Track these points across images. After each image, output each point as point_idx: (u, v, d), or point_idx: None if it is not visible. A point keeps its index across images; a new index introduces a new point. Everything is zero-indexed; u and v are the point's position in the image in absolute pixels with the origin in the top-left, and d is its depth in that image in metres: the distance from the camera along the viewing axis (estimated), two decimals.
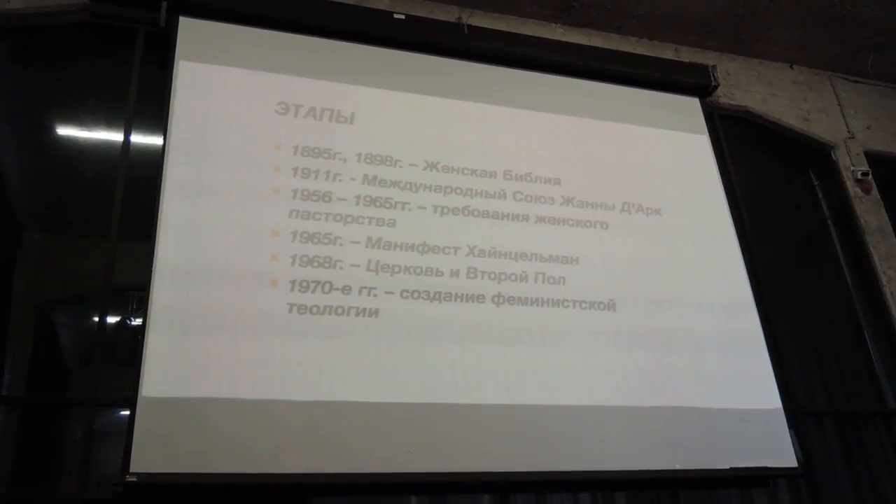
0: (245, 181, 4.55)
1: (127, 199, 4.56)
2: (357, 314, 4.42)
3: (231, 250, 4.35)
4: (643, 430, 4.73)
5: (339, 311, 4.39)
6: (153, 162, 4.53)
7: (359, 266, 4.54)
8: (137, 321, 4.23)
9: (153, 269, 4.16)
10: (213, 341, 4.10)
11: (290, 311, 4.30)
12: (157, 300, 4.10)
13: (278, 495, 4.26)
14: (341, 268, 4.49)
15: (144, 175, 4.57)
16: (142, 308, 4.09)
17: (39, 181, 4.83)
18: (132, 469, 3.68)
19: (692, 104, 6.26)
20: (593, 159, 5.59)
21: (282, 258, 4.41)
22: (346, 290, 4.45)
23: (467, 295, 4.72)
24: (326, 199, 4.66)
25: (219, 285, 4.24)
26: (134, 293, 4.39)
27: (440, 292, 4.66)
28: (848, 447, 5.58)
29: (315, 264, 4.45)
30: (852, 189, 6.59)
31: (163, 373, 3.95)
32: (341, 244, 4.56)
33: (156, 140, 4.68)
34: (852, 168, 6.65)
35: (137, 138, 4.79)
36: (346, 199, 4.70)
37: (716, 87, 6.35)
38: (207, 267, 4.26)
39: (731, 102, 6.61)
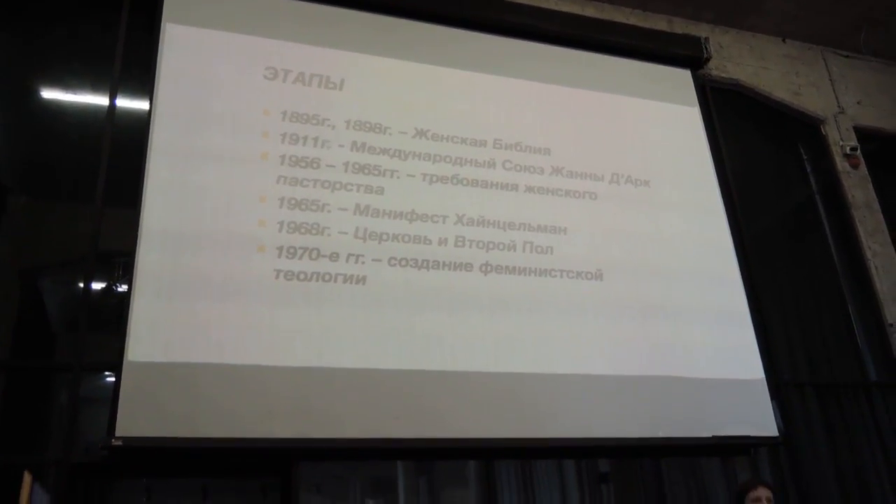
0: (233, 146, 4.52)
1: (113, 164, 4.52)
2: (345, 281, 4.42)
3: (218, 216, 4.33)
4: (628, 398, 4.78)
5: (327, 277, 4.39)
6: (139, 126, 4.50)
7: (346, 233, 4.53)
8: (123, 287, 4.22)
9: (139, 234, 4.15)
10: (200, 307, 4.10)
11: (278, 277, 4.30)
12: (143, 265, 4.09)
13: (265, 460, 4.28)
14: (329, 235, 4.49)
15: (131, 140, 4.53)
16: (128, 274, 4.08)
17: (24, 145, 4.78)
18: (118, 433, 3.69)
19: (684, 76, 6.25)
20: (584, 129, 5.58)
21: (269, 224, 4.40)
22: (333, 256, 4.45)
23: (455, 263, 4.72)
24: (315, 165, 4.63)
25: (206, 251, 4.23)
26: (120, 259, 4.37)
27: (428, 260, 4.66)
28: (828, 418, 5.65)
29: (303, 231, 4.44)
30: (840, 164, 6.61)
31: (149, 338, 3.95)
32: (329, 211, 4.55)
33: (142, 104, 4.63)
34: (841, 143, 6.67)
35: (123, 102, 4.74)
36: (334, 166, 4.68)
37: (708, 59, 6.34)
38: (194, 232, 4.25)
39: (723, 75, 6.60)
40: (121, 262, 4.36)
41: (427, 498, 5.11)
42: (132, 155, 4.40)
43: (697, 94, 6.18)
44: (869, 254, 6.27)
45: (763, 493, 3.54)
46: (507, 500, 4.92)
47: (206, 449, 3.94)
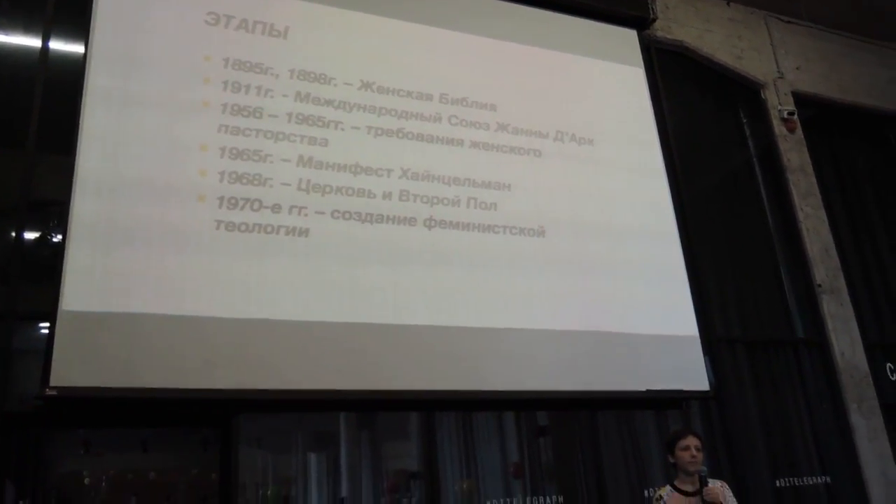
0: (172, 93, 4.40)
1: (46, 109, 4.37)
2: (287, 233, 4.39)
3: (157, 164, 4.23)
4: (566, 352, 4.89)
5: (269, 229, 4.35)
6: (74, 71, 4.33)
7: (289, 185, 4.49)
8: (58, 238, 4.10)
9: (74, 182, 4.02)
10: (138, 257, 4.02)
11: (219, 227, 4.24)
12: (78, 214, 3.98)
13: (205, 411, 4.28)
14: (271, 186, 4.44)
15: (65, 84, 4.37)
16: (62, 223, 3.97)
17: None
18: (52, 383, 3.63)
19: (630, 36, 6.29)
20: (530, 87, 5.58)
21: (210, 174, 4.32)
22: (275, 208, 4.40)
23: (399, 217, 4.73)
24: (257, 115, 4.55)
25: (144, 200, 4.14)
26: (54, 207, 4.25)
27: (372, 214, 4.65)
28: (757, 373, 5.89)
29: (244, 181, 4.38)
30: (778, 128, 6.78)
31: (85, 287, 3.86)
32: (272, 162, 4.49)
33: (77, 48, 4.47)
34: (779, 107, 6.83)
35: (57, 45, 4.57)
36: (277, 116, 4.60)
37: (654, 20, 6.39)
38: (132, 181, 4.15)
39: (668, 37, 6.65)
40: (55, 211, 4.24)
41: (369, 451, 5.17)
42: (66, 100, 4.26)
43: (643, 54, 6.24)
44: (801, 216, 6.48)
45: (692, 441, 3.66)
46: (447, 452, 5.01)
47: (144, 399, 3.90)
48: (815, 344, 6.17)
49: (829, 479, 5.75)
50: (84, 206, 4.01)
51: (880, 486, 5.73)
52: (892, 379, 6.44)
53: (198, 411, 4.30)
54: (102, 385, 3.74)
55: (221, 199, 4.31)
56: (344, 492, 4.98)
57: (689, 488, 3.61)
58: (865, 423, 5.92)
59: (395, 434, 5.34)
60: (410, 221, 4.75)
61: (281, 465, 5.49)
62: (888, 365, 6.48)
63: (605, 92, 5.89)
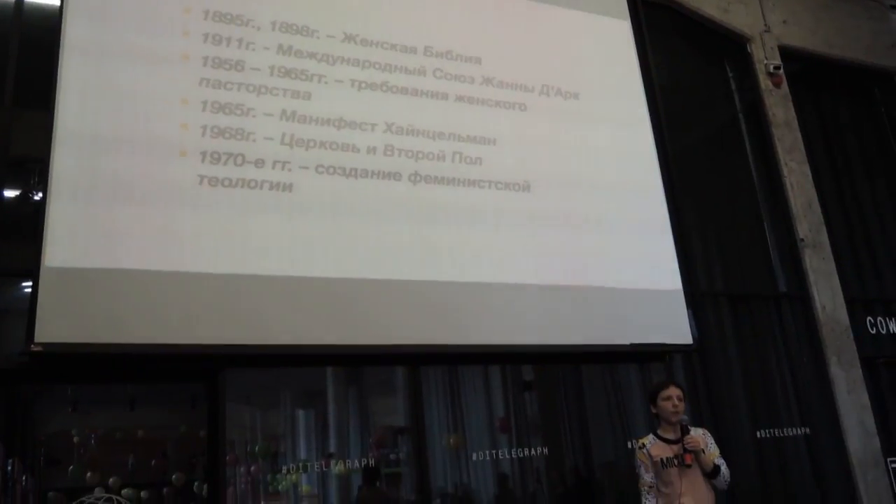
0: (152, 46, 4.32)
1: (22, 65, 4.28)
2: (271, 188, 4.36)
3: (138, 118, 4.17)
4: (552, 307, 4.92)
5: (252, 184, 4.32)
6: (51, 23, 4.23)
7: (272, 139, 4.44)
8: (39, 195, 4.05)
9: (53, 138, 3.96)
10: (120, 212, 3.99)
11: (201, 182, 4.20)
12: (58, 169, 3.92)
13: (192, 366, 4.28)
14: (254, 140, 4.39)
15: (41, 37, 4.28)
16: (43, 179, 3.92)
17: None
18: (37, 339, 3.62)
19: None
20: (515, 40, 5.52)
21: (192, 128, 4.27)
22: (259, 163, 4.37)
23: (384, 172, 4.70)
24: (239, 68, 4.49)
25: (125, 155, 4.08)
26: (34, 164, 4.19)
27: (356, 169, 4.62)
28: (740, 327, 5.96)
29: (227, 136, 4.33)
30: (764, 82, 6.76)
31: (67, 243, 3.83)
32: (254, 116, 4.43)
33: (53, 0, 4.35)
34: (766, 61, 6.79)
35: None
36: (259, 70, 4.54)
37: None
38: (113, 136, 4.09)
39: None
40: (35, 168, 4.18)
41: (356, 407, 5.22)
42: (44, 54, 4.17)
43: (629, 7, 6.16)
44: (785, 171, 6.50)
45: (674, 391, 3.73)
46: (434, 408, 5.07)
47: (130, 354, 3.90)
48: (797, 298, 6.24)
49: (808, 431, 5.87)
50: (64, 162, 3.95)
51: (858, 437, 5.86)
52: (872, 332, 6.54)
53: (184, 366, 4.30)
54: (88, 341, 3.73)
55: (204, 153, 4.26)
56: (332, 447, 5.03)
57: (671, 436, 3.69)
58: (844, 375, 6.02)
59: (383, 390, 5.39)
60: (395, 176, 4.73)
61: (269, 422, 5.55)
62: (868, 319, 6.57)
63: (590, 45, 5.84)
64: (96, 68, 4.17)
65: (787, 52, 7.01)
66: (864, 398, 6.03)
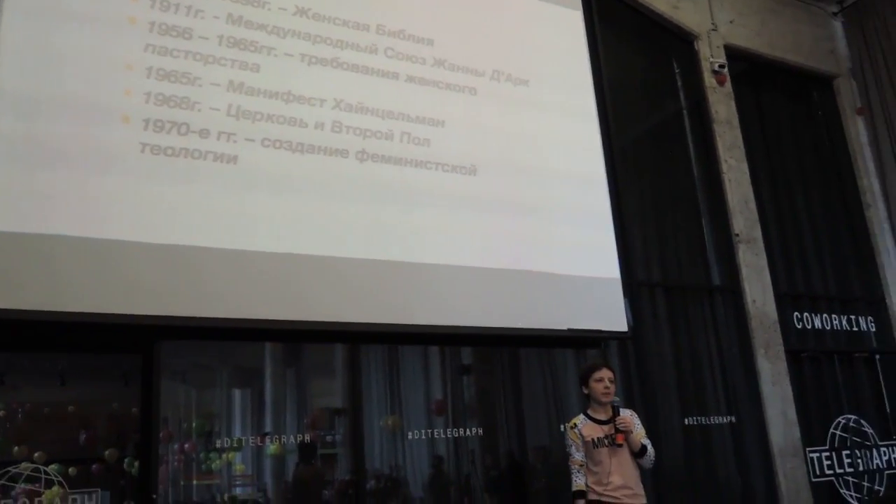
0: (96, 7, 4.20)
1: None
2: (215, 159, 4.29)
3: (80, 82, 4.05)
4: (492, 290, 4.98)
5: (196, 154, 4.25)
6: None
7: (218, 110, 4.37)
8: None
9: None
10: (58, 177, 3.88)
11: (144, 150, 4.12)
12: None
13: (125, 336, 4.21)
14: (199, 110, 4.32)
15: None
16: None
17: None
18: None
19: None
20: (468, 23, 5.53)
21: (136, 94, 4.17)
22: (203, 133, 4.29)
23: (331, 149, 4.68)
24: (186, 35, 4.39)
25: (66, 119, 3.97)
26: None
27: (303, 144, 4.59)
28: (674, 317, 6.12)
29: (171, 104, 4.25)
30: (708, 80, 6.91)
31: (1, 206, 3.71)
32: (200, 85, 4.35)
33: None
34: (711, 59, 6.95)
35: None
36: (207, 38, 4.45)
37: None
38: (53, 98, 3.97)
39: None
40: None
41: (294, 387, 5.18)
42: None
43: None
44: (724, 167, 6.68)
45: (606, 374, 3.83)
46: (373, 389, 5.09)
47: (63, 323, 3.82)
48: (730, 291, 6.43)
49: (733, 419, 6.06)
50: (1, 122, 3.82)
51: (780, 426, 6.09)
52: (798, 327, 6.79)
53: (119, 337, 4.22)
54: (19, 307, 3.64)
55: (147, 121, 4.17)
56: (268, 427, 5.01)
57: (602, 417, 3.81)
58: (770, 367, 6.24)
59: (322, 371, 5.37)
60: (342, 153, 4.71)
61: (205, 400, 5.46)
62: (795, 314, 6.81)
63: (543, 33, 5.88)
64: (38, 28, 4.03)
65: (732, 52, 7.18)
66: (788, 390, 6.26)
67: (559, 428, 5.36)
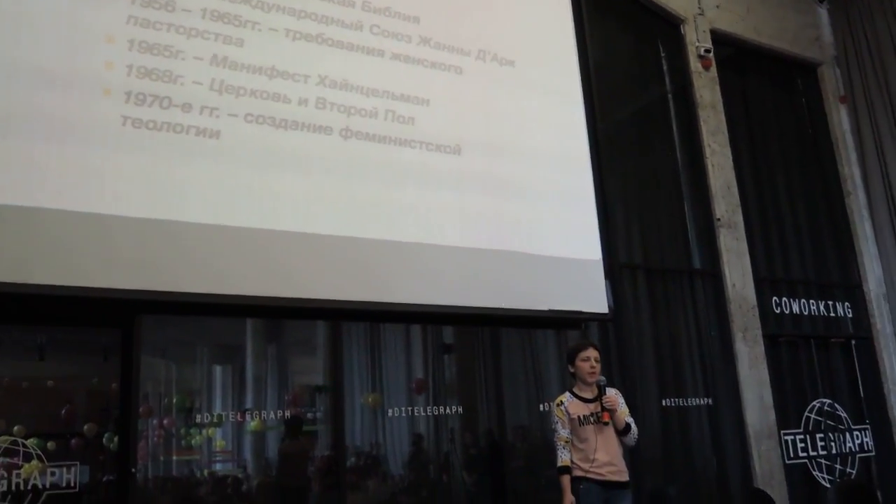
0: None
1: None
2: (197, 134, 4.26)
3: (60, 52, 4.00)
4: (474, 270, 5.00)
5: (178, 128, 4.22)
6: None
7: (201, 84, 4.33)
8: None
9: None
10: (37, 148, 3.84)
11: (125, 123, 4.08)
12: None
13: (105, 310, 4.18)
14: (182, 84, 4.27)
15: None
16: None
17: None
18: None
19: None
20: (455, 2, 5.51)
21: (117, 67, 4.12)
22: (186, 107, 4.26)
23: (315, 125, 4.65)
24: (169, 8, 4.34)
25: (45, 89, 3.92)
26: None
27: (287, 120, 4.56)
28: (654, 299, 6.17)
29: (153, 77, 4.20)
30: (694, 64, 6.93)
31: None
32: (183, 59, 4.31)
33: None
34: (697, 44, 6.95)
35: None
36: (190, 11, 4.40)
37: None
38: (32, 67, 3.91)
39: None
40: None
41: (276, 364, 5.19)
42: None
43: None
44: (708, 152, 6.71)
45: (592, 353, 3.88)
46: (354, 367, 5.11)
47: (43, 296, 3.78)
48: (710, 275, 6.49)
49: (710, 401, 6.14)
50: None
51: (755, 409, 6.18)
52: (776, 312, 6.87)
53: (99, 311, 4.20)
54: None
55: (129, 94, 4.13)
56: (249, 404, 5.01)
57: (588, 396, 3.86)
58: (748, 350, 6.32)
59: (303, 348, 5.38)
60: (326, 130, 4.69)
61: (185, 376, 5.45)
62: (774, 298, 6.89)
63: (529, 14, 5.86)
64: None
65: (718, 37, 7.20)
66: (765, 374, 6.35)
67: (539, 408, 5.42)
